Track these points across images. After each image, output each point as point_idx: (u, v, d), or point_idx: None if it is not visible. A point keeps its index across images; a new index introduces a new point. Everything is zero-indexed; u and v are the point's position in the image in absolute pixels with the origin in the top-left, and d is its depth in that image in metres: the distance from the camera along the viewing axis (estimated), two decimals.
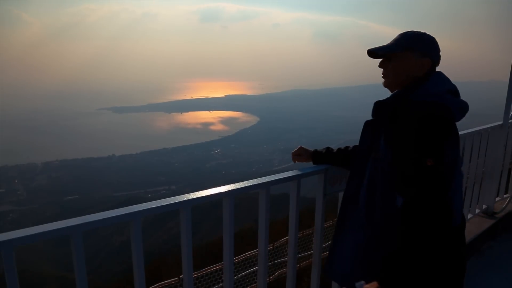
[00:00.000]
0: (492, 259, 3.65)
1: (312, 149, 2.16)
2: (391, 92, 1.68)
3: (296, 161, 2.16)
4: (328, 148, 2.11)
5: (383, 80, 1.69)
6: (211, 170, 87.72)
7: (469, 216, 3.77)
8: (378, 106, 1.64)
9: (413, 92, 1.56)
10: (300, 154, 2.15)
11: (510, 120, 3.92)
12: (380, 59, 1.68)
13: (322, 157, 2.09)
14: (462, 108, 1.56)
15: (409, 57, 1.59)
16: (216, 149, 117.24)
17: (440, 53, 1.64)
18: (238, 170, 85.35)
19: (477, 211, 3.90)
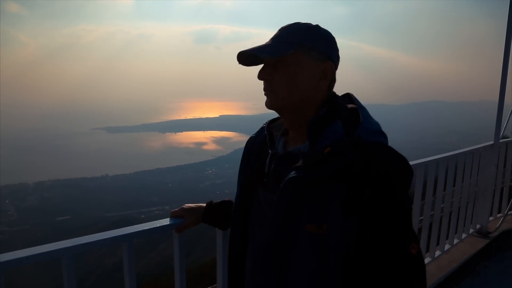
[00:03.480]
0: (488, 279, 3.63)
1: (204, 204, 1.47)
2: (283, 116, 1.13)
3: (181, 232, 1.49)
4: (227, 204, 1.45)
5: (267, 99, 1.10)
6: (205, 190, 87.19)
7: (463, 236, 3.76)
8: (321, 151, 0.99)
9: (353, 125, 1.03)
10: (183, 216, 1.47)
11: (500, 140, 3.97)
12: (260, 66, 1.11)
13: (220, 218, 1.46)
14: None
15: (304, 61, 1.04)
16: (210, 169, 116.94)
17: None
18: (232, 190, 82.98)
19: (471, 230, 3.90)
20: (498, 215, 4.31)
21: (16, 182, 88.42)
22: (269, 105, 1.09)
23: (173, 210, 1.50)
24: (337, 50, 1.11)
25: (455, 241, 3.64)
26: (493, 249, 3.96)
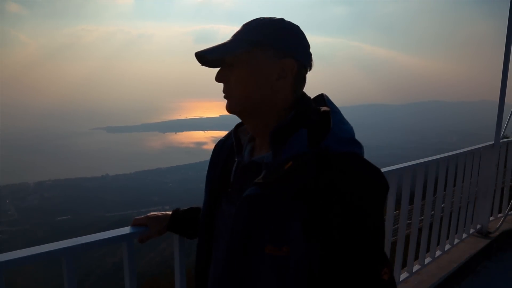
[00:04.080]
0: (488, 280, 3.63)
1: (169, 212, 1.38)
2: (244, 121, 1.04)
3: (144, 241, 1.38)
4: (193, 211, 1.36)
5: (226, 103, 1.01)
6: None
7: (464, 236, 3.76)
8: (282, 165, 0.87)
9: (321, 132, 0.90)
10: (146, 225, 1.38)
11: (501, 140, 3.97)
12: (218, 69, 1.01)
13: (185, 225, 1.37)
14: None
15: (259, 59, 0.94)
16: None
17: (311, 52, 1.01)
18: None
19: (471, 230, 3.89)
20: (499, 215, 4.31)
21: (16, 182, 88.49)
22: (228, 109, 0.99)
23: (136, 218, 1.40)
24: (303, 46, 0.98)
25: (456, 241, 3.64)
26: (493, 249, 3.96)
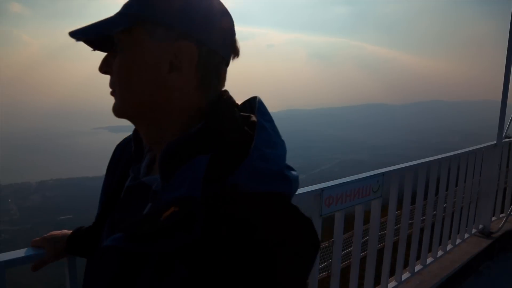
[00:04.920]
0: (490, 280, 3.63)
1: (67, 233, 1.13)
2: (136, 126, 0.75)
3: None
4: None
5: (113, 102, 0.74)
6: None
7: (466, 236, 3.76)
8: (163, 210, 0.58)
9: (233, 161, 0.61)
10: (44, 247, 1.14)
11: (503, 140, 3.96)
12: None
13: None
14: (296, 180, 0.70)
15: (143, 42, 0.66)
16: None
17: (236, 39, 0.73)
18: None
19: (473, 231, 3.89)
20: (501, 215, 4.30)
21: (19, 181, 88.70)
22: (113, 110, 0.71)
23: (34, 239, 1.16)
24: (212, 22, 0.67)
25: (458, 241, 3.63)
26: (495, 249, 3.95)
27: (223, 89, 0.73)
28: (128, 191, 0.77)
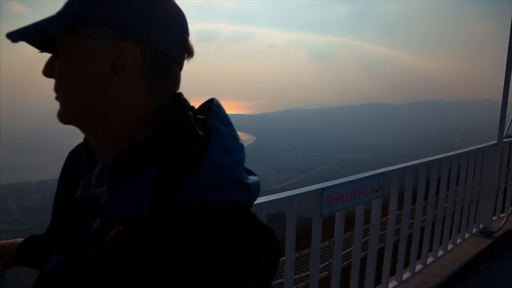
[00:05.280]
0: (491, 279, 3.62)
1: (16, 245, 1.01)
2: (86, 135, 0.71)
3: None
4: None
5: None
6: None
7: (466, 235, 3.75)
8: (106, 231, 0.53)
9: (184, 172, 0.56)
10: None
11: (504, 140, 3.96)
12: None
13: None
14: (256, 186, 0.66)
15: (83, 42, 0.61)
16: None
17: (188, 38, 0.68)
18: None
19: (474, 230, 3.89)
20: (502, 215, 4.30)
21: (19, 181, 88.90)
22: (57, 116, 0.65)
23: None
24: (159, 20, 0.62)
25: (458, 240, 3.63)
26: (496, 249, 3.95)
27: (178, 91, 0.68)
28: (76, 203, 0.71)
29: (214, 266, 0.51)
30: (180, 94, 0.68)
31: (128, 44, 0.60)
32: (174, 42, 0.64)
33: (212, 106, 0.67)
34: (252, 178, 0.65)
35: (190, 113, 0.65)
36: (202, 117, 0.66)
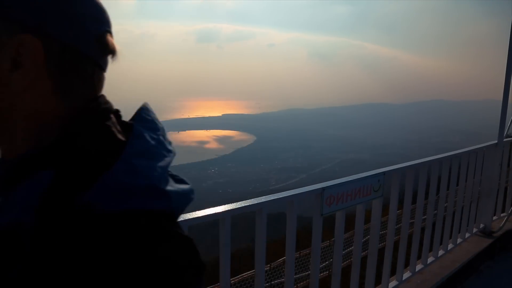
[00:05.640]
0: (491, 279, 3.62)
1: None
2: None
3: None
4: None
5: None
6: (208, 190, 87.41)
7: (467, 235, 3.75)
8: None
9: (90, 177, 0.50)
10: None
11: (504, 139, 3.96)
12: None
13: None
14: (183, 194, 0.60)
15: None
16: (212, 168, 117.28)
17: (108, 35, 0.61)
18: (235, 190, 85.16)
19: (474, 230, 3.89)
20: (502, 215, 4.30)
21: None
22: None
23: None
24: (65, 10, 0.56)
25: (459, 240, 3.63)
26: (496, 249, 3.95)
27: (100, 94, 0.62)
28: None
29: (109, 281, 0.44)
30: (101, 96, 0.62)
31: (29, 37, 0.53)
32: (86, 38, 0.57)
33: (140, 112, 0.62)
34: (179, 186, 0.59)
35: (112, 116, 0.60)
36: (129, 122, 0.61)
